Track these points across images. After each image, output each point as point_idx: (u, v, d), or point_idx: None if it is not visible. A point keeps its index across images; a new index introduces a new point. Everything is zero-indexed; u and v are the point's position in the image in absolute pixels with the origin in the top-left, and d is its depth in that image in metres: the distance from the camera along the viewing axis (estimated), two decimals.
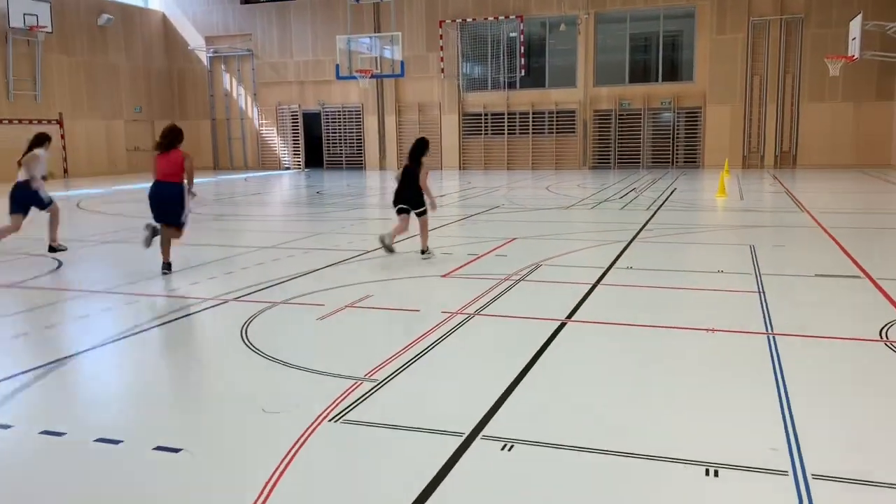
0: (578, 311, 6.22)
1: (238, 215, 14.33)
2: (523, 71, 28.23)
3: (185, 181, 8.22)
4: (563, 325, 5.75)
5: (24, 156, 9.59)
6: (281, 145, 32.03)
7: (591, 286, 7.16)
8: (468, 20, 28.52)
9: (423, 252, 9.09)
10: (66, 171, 27.94)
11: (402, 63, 22.06)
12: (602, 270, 7.96)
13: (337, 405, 4.10)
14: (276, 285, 7.50)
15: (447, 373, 4.74)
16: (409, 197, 9.08)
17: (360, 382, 4.47)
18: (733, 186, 18.28)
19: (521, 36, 28.01)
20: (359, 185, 21.85)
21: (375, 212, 14.94)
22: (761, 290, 6.88)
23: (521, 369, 4.68)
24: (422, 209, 9.06)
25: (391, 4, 23.18)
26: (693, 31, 26.63)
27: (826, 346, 5.23)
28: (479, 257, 8.95)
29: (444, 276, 7.87)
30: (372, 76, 21.92)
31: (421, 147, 9.07)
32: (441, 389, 4.45)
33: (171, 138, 8.26)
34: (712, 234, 10.93)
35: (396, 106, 30.10)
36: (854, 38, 18.14)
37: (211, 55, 32.36)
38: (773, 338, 5.31)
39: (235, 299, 6.87)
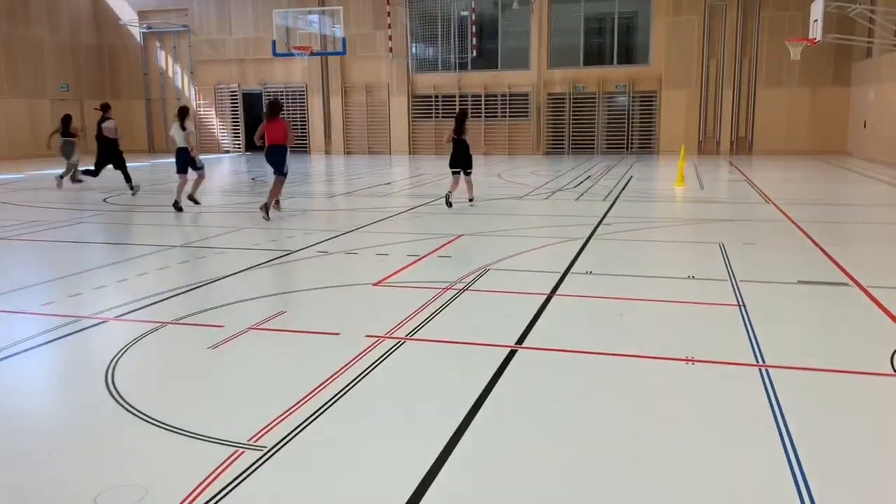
0: (531, 332, 5.17)
1: (157, 207, 12.94)
2: (475, 51, 27.09)
3: (288, 142, 10.83)
4: (512, 354, 4.70)
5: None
6: (220, 127, 30.33)
7: (545, 297, 6.13)
8: None
9: (470, 201, 12.11)
10: None
11: (344, 40, 20.70)
12: (558, 276, 6.94)
13: (200, 492, 2.98)
14: (173, 297, 6.29)
15: (355, 438, 3.63)
16: (462, 161, 12.02)
17: (240, 452, 3.35)
18: (691, 174, 17.52)
19: (473, 14, 26.83)
20: (300, 171, 20.50)
21: (315, 202, 13.69)
22: (741, 301, 5.95)
23: (454, 429, 3.60)
24: (470, 170, 12.06)
25: None
26: (649, 12, 25.81)
27: (832, 383, 4.28)
28: (419, 259, 7.86)
29: (376, 284, 6.75)
30: (312, 53, 20.52)
31: (463, 118, 12.08)
32: (343, 466, 3.34)
33: (275, 111, 10.89)
34: (676, 230, 10.02)
35: (342, 86, 28.69)
36: (815, 21, 17.46)
37: (144, 31, 30.42)
38: (766, 372, 4.34)
39: (117, 318, 5.65)
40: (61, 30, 29.02)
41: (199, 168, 12.48)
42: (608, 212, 11.43)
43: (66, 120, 16.76)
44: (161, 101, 30.86)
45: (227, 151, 30.24)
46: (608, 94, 26.55)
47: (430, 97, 28.10)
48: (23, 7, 27.25)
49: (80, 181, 16.68)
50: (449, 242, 8.86)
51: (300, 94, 29.28)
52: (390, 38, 27.47)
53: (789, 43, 19.25)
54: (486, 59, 27.55)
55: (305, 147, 29.54)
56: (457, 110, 13.36)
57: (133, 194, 14.47)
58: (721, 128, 25.46)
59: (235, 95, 30.04)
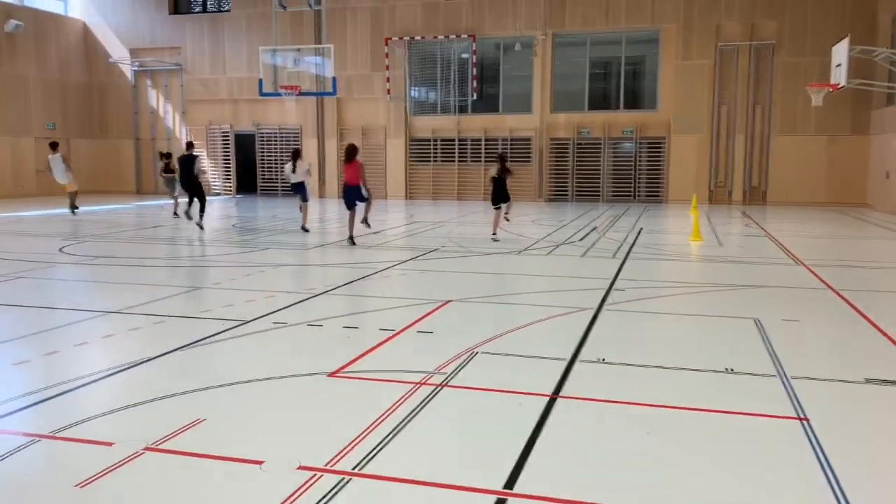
0: (523, 471, 3.76)
1: (115, 258, 11.61)
2: (475, 94, 26.06)
3: (362, 182, 12.79)
4: None
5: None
6: (211, 169, 29.19)
7: (545, 404, 4.73)
8: (416, 38, 26.29)
9: (493, 235, 13.76)
10: None
11: (335, 80, 19.58)
12: (562, 366, 5.55)
13: None
14: (65, 393, 4.90)
15: None
16: (502, 196, 13.67)
17: None
18: (706, 227, 16.18)
19: (474, 56, 25.87)
20: (288, 217, 19.23)
21: (290, 254, 12.35)
22: (801, 413, 4.55)
23: None
24: (507, 202, 13.85)
25: (323, 15, 20.68)
26: (657, 56, 24.81)
27: None
28: (394, 335, 6.47)
29: (332, 374, 5.36)
30: (300, 93, 19.39)
31: (504, 159, 13.90)
32: None
33: (352, 154, 12.73)
34: (700, 300, 8.63)
35: (338, 129, 27.62)
36: (839, 65, 16.33)
37: (136, 69, 29.52)
38: None
39: None
40: (49, 67, 28.12)
41: (305, 200, 15.10)
42: (619, 272, 10.06)
43: (167, 157, 18.75)
44: (151, 140, 29.79)
45: (218, 194, 29.05)
46: (614, 140, 25.41)
47: (429, 140, 26.99)
48: (9, 44, 26.37)
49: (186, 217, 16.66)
50: (433, 311, 7.49)
51: (294, 136, 28.20)
52: (388, 79, 26.48)
53: (810, 89, 18.09)
54: (487, 103, 26.51)
55: None
56: (497, 153, 15.31)
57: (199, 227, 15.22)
58: (733, 176, 24.24)
59: (228, 136, 28.97)
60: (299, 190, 15.19)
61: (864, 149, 22.92)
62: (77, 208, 18.51)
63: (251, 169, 29.02)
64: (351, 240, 13.03)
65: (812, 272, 10.22)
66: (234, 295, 8.46)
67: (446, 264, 11.03)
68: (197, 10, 29.32)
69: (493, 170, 13.68)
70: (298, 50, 19.83)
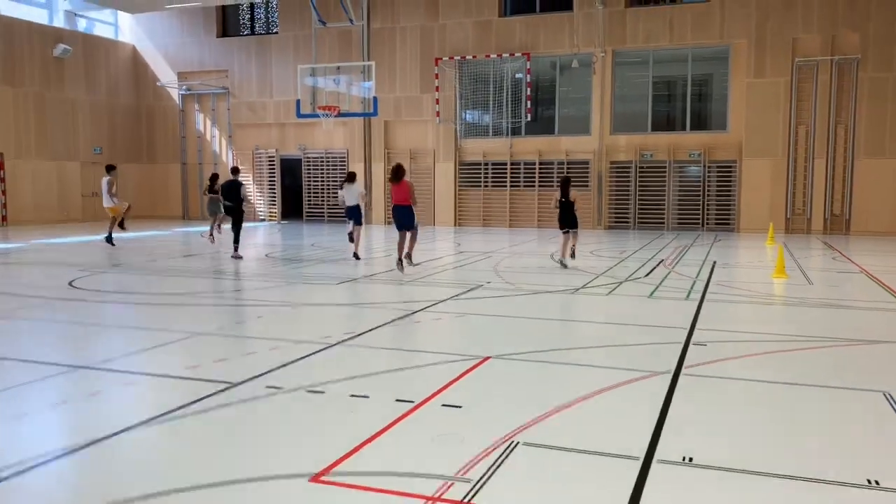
0: None
1: (126, 293, 10.51)
2: (529, 115, 24.62)
3: (412, 202, 12.16)
4: None
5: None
6: (257, 194, 28.42)
7: None
8: (468, 57, 25.06)
9: (562, 260, 13.22)
10: (3, 218, 24.41)
11: (376, 100, 18.40)
12: (636, 469, 4.02)
13: None
14: None
15: None
16: (569, 221, 13.12)
17: None
18: (789, 261, 14.30)
19: (528, 76, 24.49)
20: (328, 246, 18.06)
21: (321, 291, 11.03)
22: None
23: None
24: (575, 228, 13.22)
25: (363, 31, 19.60)
26: (727, 73, 22.99)
27: None
28: (411, 410, 5.03)
29: (315, 477, 3.94)
30: (339, 114, 18.29)
31: (566, 184, 13.21)
32: None
33: (399, 174, 12.06)
34: (803, 360, 6.92)
35: (385, 152, 26.51)
36: None
37: (184, 92, 29.08)
38: None
39: None
40: (98, 90, 27.87)
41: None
42: (696, 320, 8.42)
43: (214, 178, 18.29)
44: (198, 165, 29.24)
45: (263, 220, 28.23)
46: (680, 164, 23.60)
47: (479, 164, 25.64)
48: (57, 68, 26.17)
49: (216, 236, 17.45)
50: (466, 372, 6.03)
51: (341, 160, 27.22)
52: (438, 101, 25.28)
53: None
54: (542, 125, 25.04)
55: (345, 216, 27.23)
56: (561, 178, 13.98)
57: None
58: (812, 203, 22.13)
59: (273, 161, 28.19)
60: (353, 214, 14.76)
61: None
62: (122, 228, 17.46)
63: (297, 194, 28.13)
64: (400, 263, 12.30)
65: None
66: (234, 345, 7.15)
67: (490, 305, 9.56)
68: (245, 32, 28.78)
69: (558, 193, 13.29)
70: (338, 68, 18.74)
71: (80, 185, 26.98)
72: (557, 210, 13.35)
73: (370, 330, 7.80)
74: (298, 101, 18.78)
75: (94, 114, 27.70)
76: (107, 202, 17.20)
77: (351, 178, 14.96)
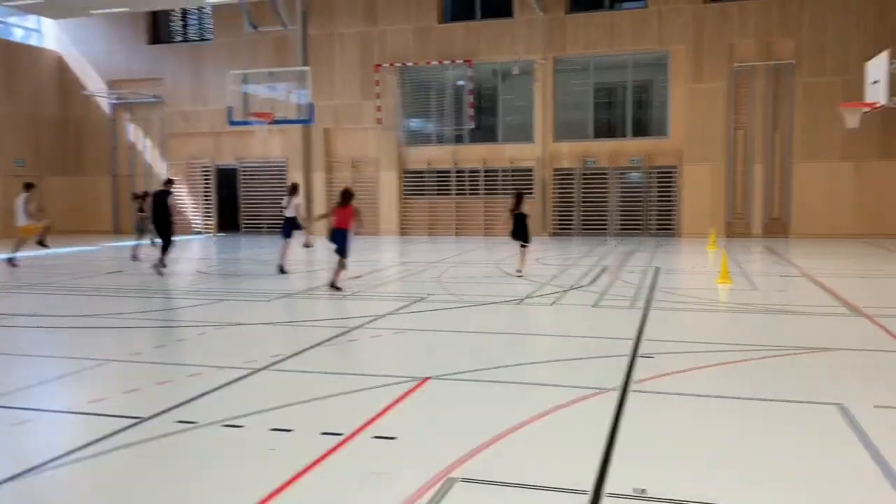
0: None
1: (39, 315, 9.73)
2: (472, 123, 24.34)
3: (353, 226, 11.70)
4: None
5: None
6: (192, 206, 27.42)
7: None
8: (408, 64, 24.66)
9: (518, 272, 12.99)
10: None
11: (312, 107, 17.83)
12: None
13: None
14: None
15: None
16: (521, 235, 13.19)
17: None
18: (732, 266, 14.22)
19: (470, 83, 24.21)
20: (265, 257, 17.37)
21: (250, 309, 10.42)
22: None
23: None
24: (526, 243, 13.27)
25: (299, 36, 18.98)
26: (666, 79, 23.11)
27: None
28: (338, 445, 4.54)
29: None
30: (273, 122, 17.65)
31: (520, 199, 13.25)
32: None
33: (347, 198, 11.56)
34: (754, 371, 6.65)
35: (326, 161, 25.88)
36: (876, 82, 14.56)
37: (114, 102, 27.91)
38: None
39: None
40: (19, 100, 26.52)
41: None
42: (642, 330, 8.13)
43: (143, 196, 17.67)
44: (129, 177, 28.07)
45: (199, 233, 27.23)
46: (622, 170, 23.61)
47: (423, 172, 25.22)
48: None
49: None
50: (402, 397, 5.57)
51: (279, 170, 26.46)
52: (379, 108, 24.80)
53: (845, 109, 16.28)
54: (486, 132, 24.77)
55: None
56: (515, 192, 13.85)
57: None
58: (752, 207, 22.36)
59: (209, 171, 27.25)
60: (290, 225, 14.38)
61: (893, 175, 21.07)
62: (44, 246, 16.35)
63: (234, 205, 27.22)
64: (334, 286, 11.51)
65: (880, 325, 8.28)
66: (150, 373, 6.53)
67: (432, 319, 9.12)
68: (177, 39, 27.82)
69: (511, 204, 13.44)
70: (270, 74, 18.10)
71: (1, 199, 25.54)
72: (511, 222, 13.28)
73: (301, 351, 7.27)
74: (231, 108, 18.06)
75: (15, 124, 26.33)
76: (21, 221, 16.14)
77: (293, 189, 14.83)
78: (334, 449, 4.49)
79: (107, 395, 5.75)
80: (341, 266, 11.54)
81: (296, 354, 7.12)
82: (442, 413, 5.31)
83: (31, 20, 27.65)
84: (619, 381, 5.99)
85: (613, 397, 5.53)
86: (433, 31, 24.48)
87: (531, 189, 23.82)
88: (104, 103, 28.03)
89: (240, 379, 6.20)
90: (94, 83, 27.98)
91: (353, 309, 10.07)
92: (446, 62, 24.30)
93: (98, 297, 11.41)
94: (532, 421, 5.00)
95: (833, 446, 4.57)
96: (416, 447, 4.56)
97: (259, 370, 6.49)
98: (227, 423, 5.03)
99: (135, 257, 16.71)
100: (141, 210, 17.63)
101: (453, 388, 5.93)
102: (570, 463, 4.26)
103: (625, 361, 6.66)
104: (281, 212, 15.16)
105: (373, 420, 5.03)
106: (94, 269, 15.38)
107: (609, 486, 3.91)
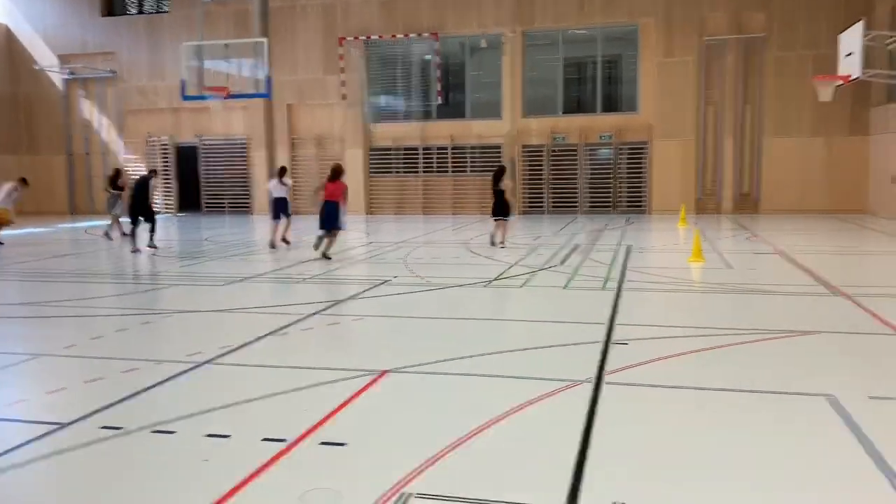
0: None
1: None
2: (440, 98, 23.71)
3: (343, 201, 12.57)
4: None
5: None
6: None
7: None
8: (374, 37, 23.91)
9: (501, 244, 13.71)
10: None
11: (269, 80, 17.08)
12: None
13: None
14: None
15: None
16: (500, 210, 13.79)
17: None
18: (704, 243, 13.90)
19: (437, 57, 23.55)
20: (224, 240, 16.70)
21: (204, 294, 9.82)
22: None
23: None
24: (506, 217, 13.86)
25: (256, 5, 18.11)
26: (636, 53, 22.67)
27: None
28: (280, 453, 4.05)
29: None
30: (228, 96, 16.88)
31: (499, 175, 14.03)
32: None
33: (338, 175, 12.65)
34: (734, 357, 6.27)
35: (290, 138, 25.11)
36: (850, 54, 14.26)
37: (67, 77, 26.74)
38: None
39: None
40: None
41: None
42: (614, 314, 7.72)
43: (117, 174, 17.25)
44: (85, 156, 27.02)
45: (158, 212, 26.26)
46: (591, 146, 23.19)
47: (390, 149, 24.58)
48: None
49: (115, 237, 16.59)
50: (356, 395, 5.08)
51: (241, 148, 25.63)
52: (344, 83, 24.05)
53: (818, 82, 15.96)
54: (454, 109, 24.17)
55: (248, 207, 25.75)
56: (496, 167, 14.87)
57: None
58: (722, 183, 22.13)
59: (167, 149, 26.29)
60: (281, 206, 14.83)
61: (863, 150, 20.96)
62: None
63: (195, 184, 26.34)
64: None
65: (860, 306, 7.97)
66: (81, 368, 5.96)
67: (394, 304, 8.63)
68: (133, 11, 26.70)
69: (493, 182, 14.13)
70: (226, 46, 17.28)
71: None
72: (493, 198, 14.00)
73: (251, 342, 6.74)
74: (183, 82, 17.24)
75: None
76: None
77: (281, 172, 15.31)
78: (275, 459, 3.99)
79: (28, 397, 5.19)
80: (332, 237, 12.55)
81: (245, 345, 6.59)
82: (398, 413, 4.83)
83: None
84: (592, 372, 5.56)
85: (587, 391, 5.10)
86: (399, 2, 23.72)
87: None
88: (57, 79, 26.84)
89: (180, 374, 5.66)
90: (45, 58, 26.75)
91: (311, 294, 9.53)
92: (412, 35, 23.60)
93: (42, 282, 10.72)
94: (498, 420, 4.55)
95: (823, 440, 4.18)
96: (367, 455, 4.08)
97: (202, 364, 5.95)
98: (158, 428, 4.51)
99: (108, 236, 16.88)
100: (115, 188, 16.81)
101: (413, 384, 5.45)
102: (540, 471, 3.82)
103: (598, 349, 6.25)
104: (268, 194, 15.53)
105: (320, 423, 4.54)
106: (43, 252, 14.61)
107: (584, 499, 3.47)
